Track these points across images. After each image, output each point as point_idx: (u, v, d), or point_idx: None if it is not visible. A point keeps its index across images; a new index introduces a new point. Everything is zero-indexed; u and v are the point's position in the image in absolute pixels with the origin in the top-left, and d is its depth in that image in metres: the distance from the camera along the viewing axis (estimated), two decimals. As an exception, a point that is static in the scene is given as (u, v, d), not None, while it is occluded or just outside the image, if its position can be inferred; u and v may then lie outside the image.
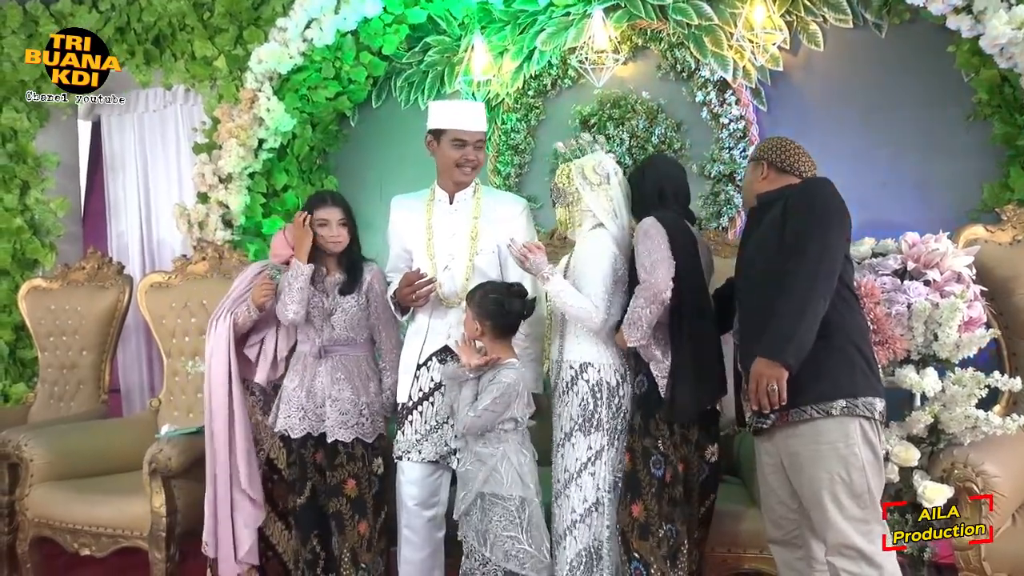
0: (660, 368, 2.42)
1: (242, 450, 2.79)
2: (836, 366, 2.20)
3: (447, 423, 2.67)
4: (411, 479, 2.69)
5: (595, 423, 2.49)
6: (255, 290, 2.82)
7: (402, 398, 2.74)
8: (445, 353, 2.71)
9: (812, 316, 2.14)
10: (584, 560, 2.45)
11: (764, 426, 2.28)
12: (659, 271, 2.36)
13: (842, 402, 2.17)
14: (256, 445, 2.88)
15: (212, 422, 2.81)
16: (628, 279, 2.54)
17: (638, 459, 2.43)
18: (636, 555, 2.39)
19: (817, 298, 2.14)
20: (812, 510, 2.23)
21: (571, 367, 2.54)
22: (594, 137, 2.81)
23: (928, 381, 2.56)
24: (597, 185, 2.61)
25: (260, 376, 2.89)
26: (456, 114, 2.72)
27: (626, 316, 2.40)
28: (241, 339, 2.89)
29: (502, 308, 2.48)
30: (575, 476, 2.47)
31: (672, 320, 2.42)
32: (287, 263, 2.80)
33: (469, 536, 2.48)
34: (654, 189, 2.61)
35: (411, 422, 2.70)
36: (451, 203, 2.76)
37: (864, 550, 2.15)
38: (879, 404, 2.22)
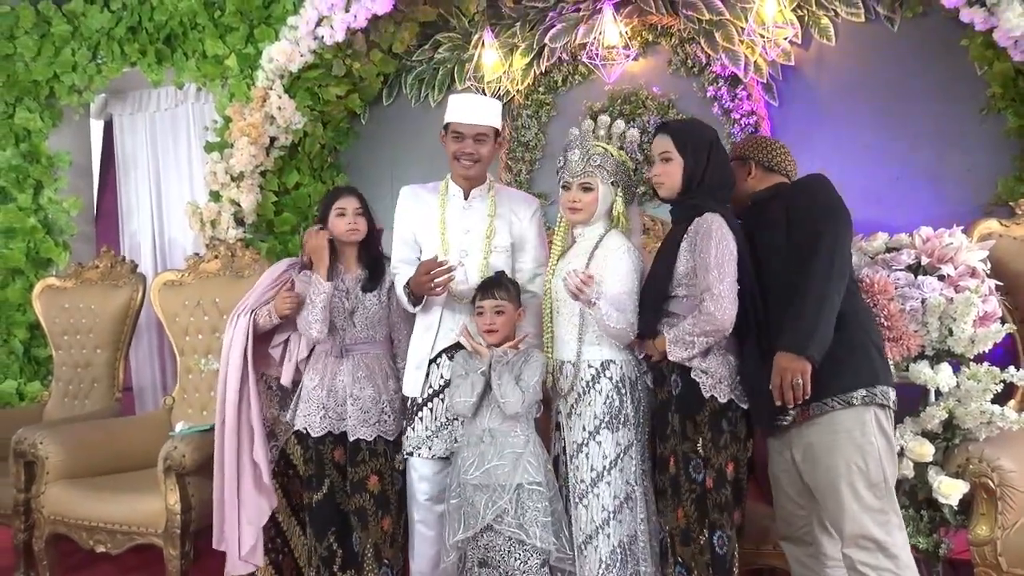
0: (713, 375, 2.32)
1: (259, 446, 2.79)
2: (855, 357, 2.22)
3: (457, 419, 2.68)
4: (423, 475, 2.71)
5: (623, 419, 2.46)
6: (278, 300, 2.80)
7: (412, 393, 2.74)
8: (455, 350, 2.70)
9: (830, 311, 2.15)
10: (620, 556, 2.41)
11: (785, 423, 2.27)
12: (726, 304, 2.24)
13: (862, 391, 2.19)
14: (271, 439, 2.89)
15: (224, 418, 2.81)
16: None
17: (680, 463, 2.36)
18: (679, 559, 2.35)
19: (833, 293, 2.16)
20: (828, 500, 2.22)
21: (591, 366, 2.50)
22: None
23: (943, 376, 2.55)
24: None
25: (285, 378, 2.87)
26: (457, 107, 2.72)
27: (676, 332, 2.29)
28: (266, 336, 2.89)
29: None
30: (603, 474, 2.43)
31: (739, 327, 2.31)
32: (310, 266, 2.79)
33: (500, 541, 2.43)
34: (724, 179, 2.43)
35: (421, 419, 2.71)
36: (466, 199, 2.77)
37: (881, 541, 2.15)
38: (892, 393, 2.24)
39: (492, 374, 2.48)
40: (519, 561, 2.42)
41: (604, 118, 2.48)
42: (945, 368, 2.58)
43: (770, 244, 2.34)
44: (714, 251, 2.27)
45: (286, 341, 2.88)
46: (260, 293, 2.88)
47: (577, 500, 2.46)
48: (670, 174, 2.42)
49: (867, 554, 2.15)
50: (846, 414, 2.19)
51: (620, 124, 2.60)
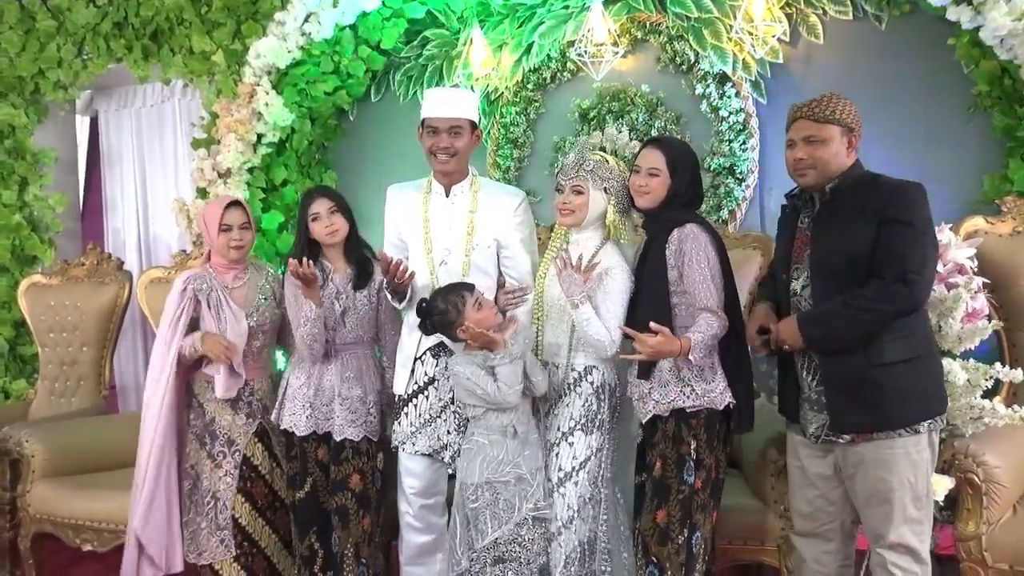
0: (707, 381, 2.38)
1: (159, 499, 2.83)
2: (928, 387, 2.24)
3: (440, 417, 2.69)
4: (410, 470, 2.72)
5: (598, 423, 2.49)
6: (214, 350, 2.76)
7: (398, 390, 2.76)
8: (439, 349, 2.71)
9: (859, 334, 2.16)
10: (580, 554, 2.45)
11: (841, 441, 2.27)
12: (722, 314, 2.33)
13: (928, 421, 2.22)
14: (229, 447, 2.86)
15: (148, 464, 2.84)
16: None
17: (670, 466, 2.36)
18: (654, 559, 2.35)
19: (878, 325, 2.16)
20: (873, 510, 2.25)
21: (574, 370, 2.52)
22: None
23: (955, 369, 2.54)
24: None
25: (220, 391, 2.83)
26: (429, 101, 2.71)
27: (700, 336, 2.29)
28: (196, 363, 2.89)
29: None
30: (571, 474, 2.46)
31: (729, 336, 2.36)
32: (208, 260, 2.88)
33: (524, 532, 2.47)
34: (696, 184, 2.51)
35: (406, 414, 2.72)
36: (447, 196, 2.75)
37: (916, 549, 2.23)
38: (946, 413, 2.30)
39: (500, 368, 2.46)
40: (541, 544, 2.45)
41: (610, 130, 2.52)
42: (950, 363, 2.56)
43: (843, 250, 2.23)
44: (706, 263, 2.34)
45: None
46: (172, 321, 2.84)
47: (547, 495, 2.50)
48: (655, 189, 2.44)
49: (900, 558, 2.22)
50: (909, 437, 2.21)
51: (625, 136, 2.61)
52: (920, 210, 2.20)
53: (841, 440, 2.26)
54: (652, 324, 2.28)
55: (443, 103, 2.68)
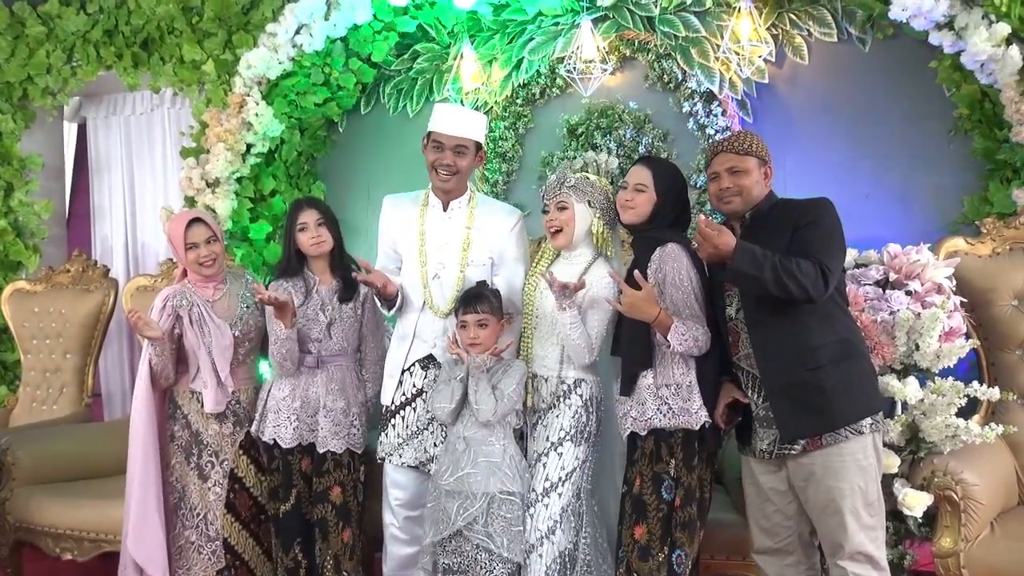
0: (689, 401, 2.41)
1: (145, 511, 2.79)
2: (864, 385, 2.30)
3: (427, 429, 2.70)
4: (396, 482, 2.74)
5: (586, 434, 2.52)
6: (139, 327, 2.73)
7: (385, 401, 2.77)
8: (428, 361, 2.73)
9: (773, 274, 2.17)
10: (559, 565, 2.45)
11: (793, 452, 2.30)
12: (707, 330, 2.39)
13: (869, 420, 2.26)
14: (217, 457, 2.85)
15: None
16: None
17: (646, 484, 2.38)
18: (635, 574, 2.36)
19: (788, 282, 2.17)
20: (828, 520, 2.28)
21: (564, 382, 2.55)
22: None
23: (910, 389, 2.59)
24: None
25: (210, 406, 2.82)
26: (440, 116, 2.71)
27: (685, 326, 2.34)
28: (183, 374, 2.89)
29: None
30: (557, 484, 2.48)
31: (708, 353, 2.39)
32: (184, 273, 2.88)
33: (468, 548, 2.46)
34: (681, 207, 2.55)
35: (393, 425, 2.74)
36: (445, 210, 2.76)
37: (873, 556, 2.26)
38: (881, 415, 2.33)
39: (469, 380, 2.50)
40: (484, 570, 2.44)
41: (590, 153, 2.58)
42: (912, 381, 2.63)
43: None
44: (688, 283, 2.38)
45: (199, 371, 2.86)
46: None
47: (528, 506, 2.50)
48: (639, 204, 2.49)
49: (860, 567, 2.25)
50: (855, 441, 2.24)
51: (604, 156, 2.65)
52: (828, 216, 2.32)
53: (793, 451, 2.30)
54: (636, 273, 2.34)
55: (452, 121, 2.68)
